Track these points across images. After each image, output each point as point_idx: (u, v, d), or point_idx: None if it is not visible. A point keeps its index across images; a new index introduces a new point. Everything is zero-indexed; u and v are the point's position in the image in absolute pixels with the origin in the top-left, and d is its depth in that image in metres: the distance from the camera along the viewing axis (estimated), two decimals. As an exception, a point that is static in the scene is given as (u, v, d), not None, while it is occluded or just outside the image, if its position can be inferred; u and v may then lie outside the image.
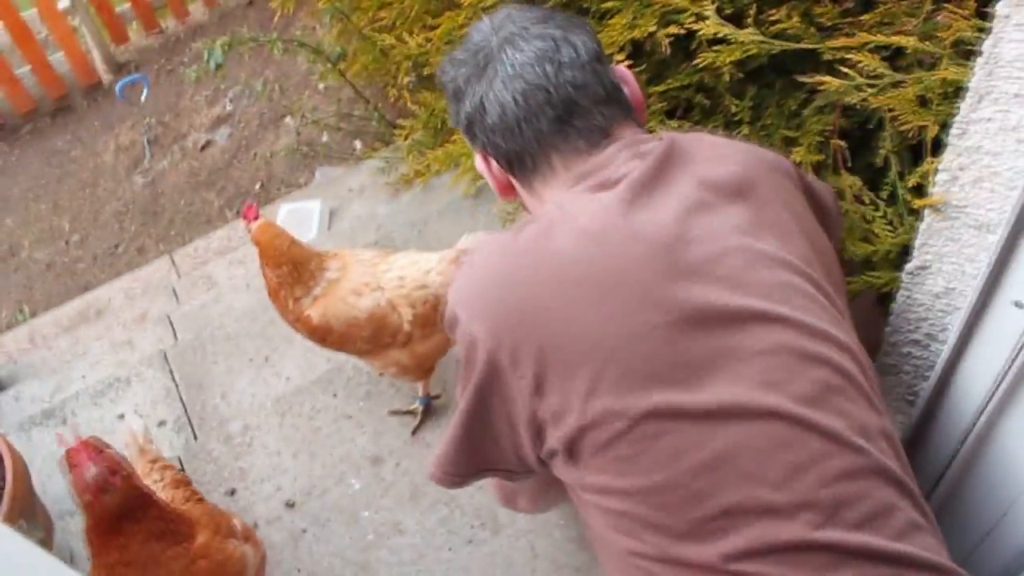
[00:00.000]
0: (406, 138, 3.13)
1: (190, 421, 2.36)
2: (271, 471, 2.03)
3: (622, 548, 1.06)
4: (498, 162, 1.26)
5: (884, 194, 1.47)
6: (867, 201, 1.47)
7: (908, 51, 1.27)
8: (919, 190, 1.41)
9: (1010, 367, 1.14)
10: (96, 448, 1.24)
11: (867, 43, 1.26)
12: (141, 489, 1.30)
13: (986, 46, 1.02)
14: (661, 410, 1.00)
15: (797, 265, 1.11)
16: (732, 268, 1.06)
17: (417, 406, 2.08)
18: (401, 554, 1.84)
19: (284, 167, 4.18)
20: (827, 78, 1.32)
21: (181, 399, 2.42)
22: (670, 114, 1.95)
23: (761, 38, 1.39)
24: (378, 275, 1.91)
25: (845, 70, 1.31)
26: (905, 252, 1.55)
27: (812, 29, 1.37)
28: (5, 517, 1.63)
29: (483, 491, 1.91)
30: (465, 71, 1.22)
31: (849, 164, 1.61)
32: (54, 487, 2.24)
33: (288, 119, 4.38)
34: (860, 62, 1.27)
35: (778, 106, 1.85)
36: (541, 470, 1.16)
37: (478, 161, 1.31)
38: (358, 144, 4.06)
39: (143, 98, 4.70)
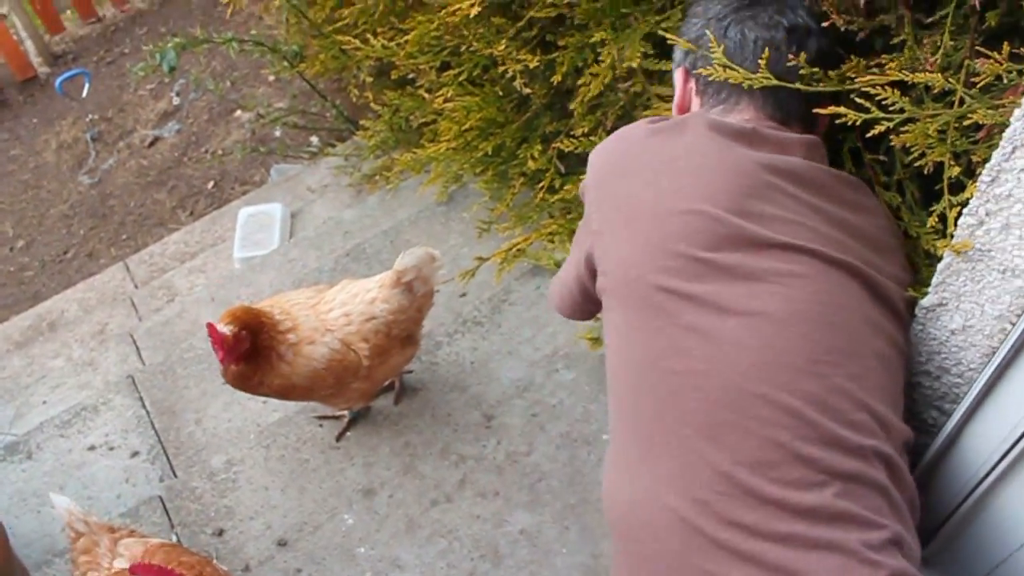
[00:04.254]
0: (371, 139, 3.04)
1: (165, 451, 2.27)
2: (260, 508, 1.96)
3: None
4: (696, 83, 1.49)
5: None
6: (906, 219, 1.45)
7: (933, 87, 1.25)
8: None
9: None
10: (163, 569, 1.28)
11: (887, 80, 1.24)
12: None
13: (1029, 101, 1.00)
14: (668, 287, 1.26)
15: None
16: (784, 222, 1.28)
17: (345, 413, 2.07)
18: (401, 591, 1.80)
19: (238, 164, 4.04)
20: (842, 109, 1.29)
21: (154, 427, 2.33)
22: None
23: (776, 83, 1.35)
24: (321, 316, 1.84)
25: (860, 101, 1.28)
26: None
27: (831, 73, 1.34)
28: (-14, 587, 1.55)
29: (480, 520, 1.87)
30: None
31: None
32: (23, 528, 2.15)
33: (239, 113, 4.24)
34: (879, 95, 1.25)
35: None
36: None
37: (678, 76, 1.53)
38: (314, 140, 3.95)
39: (84, 93, 4.51)
